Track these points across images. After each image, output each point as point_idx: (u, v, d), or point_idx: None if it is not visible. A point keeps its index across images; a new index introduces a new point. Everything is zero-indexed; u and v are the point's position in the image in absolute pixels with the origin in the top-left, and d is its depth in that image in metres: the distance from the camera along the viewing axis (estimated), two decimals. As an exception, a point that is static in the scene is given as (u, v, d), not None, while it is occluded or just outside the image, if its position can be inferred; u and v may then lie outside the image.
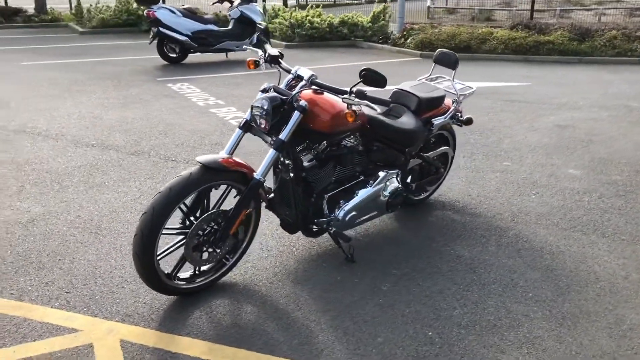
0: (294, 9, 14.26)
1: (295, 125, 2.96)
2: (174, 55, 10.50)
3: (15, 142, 5.71)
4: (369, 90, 2.93)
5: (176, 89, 8.24)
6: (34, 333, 2.74)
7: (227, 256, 3.16)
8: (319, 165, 3.21)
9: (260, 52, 3.27)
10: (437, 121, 3.86)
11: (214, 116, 6.80)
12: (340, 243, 3.44)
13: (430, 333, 2.79)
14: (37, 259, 3.44)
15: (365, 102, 2.92)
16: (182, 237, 2.90)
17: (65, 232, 3.77)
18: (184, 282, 3.04)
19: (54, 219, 3.97)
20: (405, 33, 12.45)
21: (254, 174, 2.93)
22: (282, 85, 3.12)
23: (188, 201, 2.86)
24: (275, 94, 2.98)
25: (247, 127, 3.07)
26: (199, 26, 10.36)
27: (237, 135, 3.08)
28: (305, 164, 3.16)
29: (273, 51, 3.26)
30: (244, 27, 10.76)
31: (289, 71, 3.20)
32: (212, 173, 2.81)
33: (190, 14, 10.49)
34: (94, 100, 7.51)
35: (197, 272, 3.08)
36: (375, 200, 3.50)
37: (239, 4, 10.79)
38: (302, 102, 2.93)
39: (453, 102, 3.99)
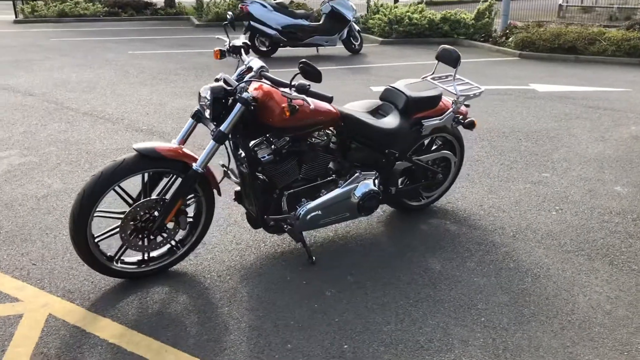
0: (408, 5, 13.91)
1: (237, 118, 2.91)
2: (264, 49, 10.74)
3: (77, 123, 6.18)
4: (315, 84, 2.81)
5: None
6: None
7: (178, 244, 3.18)
8: (278, 161, 3.12)
9: (227, 41, 3.25)
10: (429, 122, 3.60)
11: None
12: (305, 242, 3.34)
13: (346, 346, 2.63)
14: (28, 231, 3.69)
15: (302, 96, 2.80)
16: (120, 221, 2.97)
17: (67, 209, 3.99)
18: (132, 266, 3.10)
19: (65, 196, 4.24)
20: (507, 31, 11.75)
21: (193, 164, 2.92)
22: (233, 76, 3.08)
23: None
24: (220, 85, 2.95)
25: (198, 116, 3.06)
26: (289, 20, 10.51)
27: (189, 125, 3.10)
28: (263, 158, 3.09)
29: (237, 41, 3.23)
30: (334, 23, 10.77)
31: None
32: (147, 161, 2.85)
33: (282, 8, 10.68)
34: (169, 89, 7.91)
35: (145, 258, 3.13)
36: (344, 202, 3.35)
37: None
38: (246, 95, 2.87)
39: (453, 103, 3.69)
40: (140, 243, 3.01)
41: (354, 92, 7.66)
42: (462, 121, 3.74)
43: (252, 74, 3.00)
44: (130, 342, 2.64)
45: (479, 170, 4.83)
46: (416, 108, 3.57)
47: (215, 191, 3.11)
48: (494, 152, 5.31)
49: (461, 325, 2.79)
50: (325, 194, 3.32)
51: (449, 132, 3.83)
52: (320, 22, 10.93)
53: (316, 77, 2.78)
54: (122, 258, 3.07)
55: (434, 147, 3.92)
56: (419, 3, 13.61)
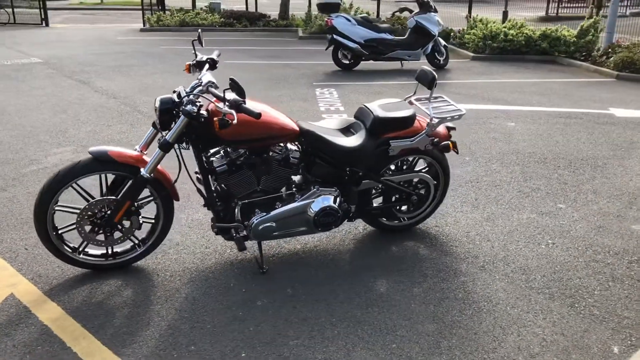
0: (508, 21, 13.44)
1: (180, 128, 3.12)
2: (347, 62, 10.92)
3: (139, 125, 6.74)
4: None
5: (317, 94, 8.65)
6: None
7: (140, 243, 3.46)
8: (233, 171, 3.29)
9: (200, 56, 3.47)
10: (397, 143, 3.58)
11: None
12: (261, 252, 3.51)
13: (243, 354, 2.75)
14: (30, 213, 4.10)
15: (231, 111, 2.95)
16: None
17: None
18: (97, 259, 3.42)
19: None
20: (609, 50, 10.97)
21: (142, 169, 3.17)
22: (188, 89, 3.28)
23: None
24: (170, 96, 3.17)
25: (155, 125, 3.32)
26: (371, 34, 10.62)
27: (149, 133, 3.36)
28: (217, 167, 3.28)
29: (203, 57, 3.44)
30: (418, 37, 10.71)
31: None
32: (99, 163, 3.14)
33: (366, 22, 10.80)
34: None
35: (109, 252, 3.43)
36: (300, 216, 3.44)
37: (416, 14, 10.76)
38: (189, 107, 3.06)
39: (427, 125, 3.65)
40: (97, 238, 3.29)
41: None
42: (437, 144, 3.66)
43: (199, 88, 3.18)
44: (60, 326, 2.92)
45: (490, 196, 4.65)
46: (384, 128, 3.56)
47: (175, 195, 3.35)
48: (519, 178, 5.08)
49: (368, 349, 2.77)
50: (281, 206, 3.42)
51: (427, 154, 3.76)
52: (405, 37, 10.90)
53: (240, 93, 2.91)
54: (85, 250, 3.37)
55: (406, 168, 3.87)
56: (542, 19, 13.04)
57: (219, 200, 3.38)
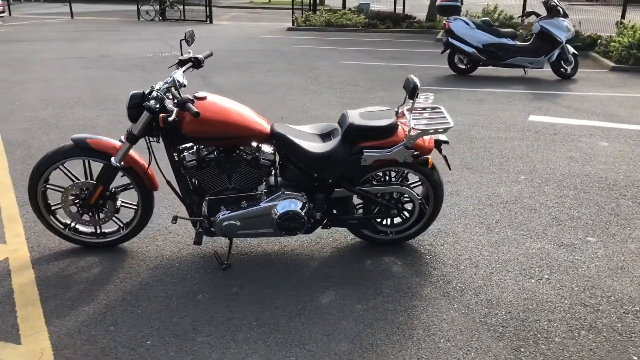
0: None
1: (144, 123, 3.32)
2: (463, 67, 10.53)
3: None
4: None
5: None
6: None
7: (124, 226, 3.75)
8: (203, 167, 3.44)
9: (185, 55, 3.66)
10: (371, 153, 3.46)
11: None
12: (230, 248, 3.63)
13: (149, 342, 2.87)
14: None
15: (174, 108, 3.09)
16: None
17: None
18: (87, 236, 3.77)
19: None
20: None
21: (112, 158, 3.45)
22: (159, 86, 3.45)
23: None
24: (139, 92, 3.38)
25: None
26: (490, 39, 10.12)
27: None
28: (187, 162, 3.45)
29: (185, 56, 3.61)
30: (543, 43, 9.99)
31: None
32: (78, 149, 3.47)
33: (486, 26, 10.31)
34: (331, 98, 8.45)
35: (98, 232, 3.78)
36: (264, 218, 3.48)
37: (542, 18, 10.04)
38: (152, 103, 3.26)
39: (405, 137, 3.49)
40: (84, 218, 3.62)
41: (505, 119, 7.20)
42: (417, 157, 3.46)
43: (165, 85, 3.34)
44: (22, 291, 3.30)
45: (515, 220, 4.27)
46: (359, 136, 3.46)
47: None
48: (565, 204, 4.59)
49: (264, 357, 2.75)
50: (246, 206, 3.49)
51: (410, 168, 3.57)
52: (528, 42, 10.21)
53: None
54: (76, 227, 3.73)
55: (389, 180, 3.71)
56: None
57: (191, 194, 3.51)
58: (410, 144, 3.43)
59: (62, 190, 3.59)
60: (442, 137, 3.65)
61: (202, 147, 3.44)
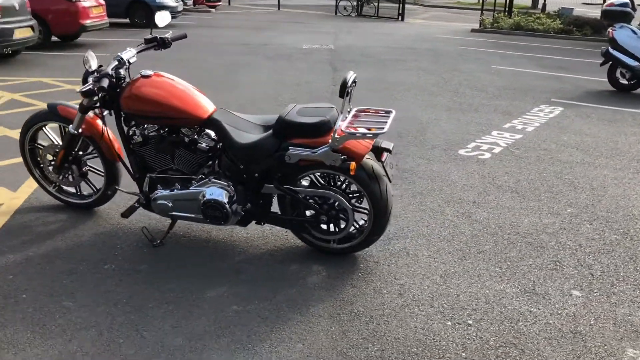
0: None
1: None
2: (625, 83, 9.19)
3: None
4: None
5: (531, 110, 7.67)
6: None
7: (96, 191, 4.06)
8: (143, 144, 3.61)
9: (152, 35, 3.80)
10: (296, 151, 3.25)
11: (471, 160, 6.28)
12: (170, 228, 3.68)
13: (24, 296, 3.12)
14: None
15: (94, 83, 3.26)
16: None
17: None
18: (68, 196, 4.15)
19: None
20: None
21: (70, 126, 3.75)
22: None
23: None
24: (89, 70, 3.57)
25: None
26: (663, 52, 8.67)
27: None
28: (134, 136, 3.63)
29: (152, 36, 3.74)
30: None
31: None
32: (50, 114, 3.84)
33: (662, 35, 8.84)
34: (440, 100, 7.99)
35: (78, 193, 4.15)
36: (192, 202, 3.46)
37: None
38: (89, 79, 3.42)
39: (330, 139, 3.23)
40: (58, 177, 3.98)
41: (620, 146, 6.22)
42: (344, 161, 3.17)
43: (112, 63, 3.51)
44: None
45: (504, 254, 3.65)
46: (287, 131, 3.28)
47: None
48: (586, 248, 3.80)
49: (91, 329, 2.80)
50: (179, 188, 3.54)
51: (336, 171, 3.29)
52: None
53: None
54: (60, 187, 4.12)
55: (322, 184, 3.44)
56: None
57: (139, 170, 3.65)
58: (335, 146, 3.13)
59: (42, 150, 3.96)
60: (385, 144, 3.27)
61: (147, 124, 3.53)
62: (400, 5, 21.81)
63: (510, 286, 3.26)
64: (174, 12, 16.24)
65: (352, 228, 3.48)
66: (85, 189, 4.07)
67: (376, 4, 22.65)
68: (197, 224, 3.79)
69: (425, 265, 3.46)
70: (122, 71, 3.51)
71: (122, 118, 3.55)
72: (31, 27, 9.72)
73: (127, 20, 15.93)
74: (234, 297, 3.09)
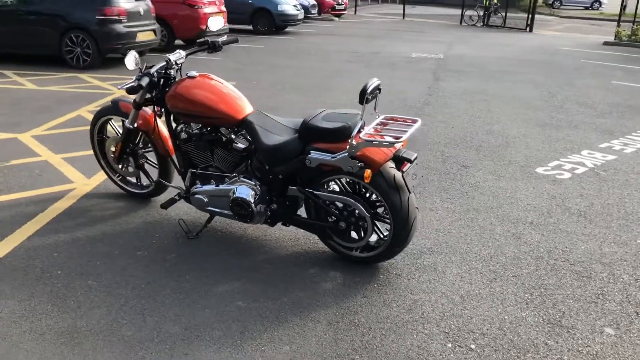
0: None
1: (141, 93, 3.81)
2: None
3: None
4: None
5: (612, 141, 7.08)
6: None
7: (151, 182, 4.35)
8: (187, 141, 3.84)
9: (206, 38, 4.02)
10: (316, 155, 3.27)
11: (549, 178, 5.90)
12: (207, 222, 3.83)
13: (58, 271, 3.44)
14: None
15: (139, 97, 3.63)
16: None
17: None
18: (132, 187, 4.46)
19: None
20: None
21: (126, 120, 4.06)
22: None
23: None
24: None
25: None
26: None
27: None
28: (179, 133, 3.87)
29: (204, 39, 3.95)
30: None
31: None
32: (113, 109, 4.18)
33: None
34: (495, 115, 7.60)
35: (138, 183, 4.46)
36: (223, 199, 3.59)
37: None
38: (141, 76, 3.65)
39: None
40: (121, 168, 4.33)
41: None
42: (358, 165, 3.15)
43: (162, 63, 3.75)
44: (48, 210, 4.16)
45: (541, 282, 3.39)
46: (310, 135, 3.31)
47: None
48: (623, 288, 3.43)
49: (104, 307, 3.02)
50: (214, 185, 3.72)
51: (353, 177, 3.26)
52: None
53: None
54: (124, 177, 4.47)
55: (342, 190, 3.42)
56: None
57: (185, 166, 3.87)
58: (352, 153, 3.11)
59: (107, 141, 4.31)
60: (406, 154, 3.19)
61: (192, 123, 3.73)
62: (530, 15, 20.82)
63: (534, 315, 3.03)
64: (294, 21, 16.79)
65: (375, 237, 3.41)
66: (145, 180, 4.33)
67: (504, 14, 21.81)
68: (236, 221, 3.90)
69: (448, 284, 3.31)
70: (172, 72, 3.71)
71: (172, 116, 3.76)
72: (153, 30, 10.52)
73: (250, 27, 16.67)
74: (242, 293, 3.15)
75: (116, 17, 9.50)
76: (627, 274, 3.48)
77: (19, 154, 5.28)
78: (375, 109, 3.28)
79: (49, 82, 8.53)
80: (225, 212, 3.59)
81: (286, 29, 17.85)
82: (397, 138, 3.00)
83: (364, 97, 3.03)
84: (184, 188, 3.78)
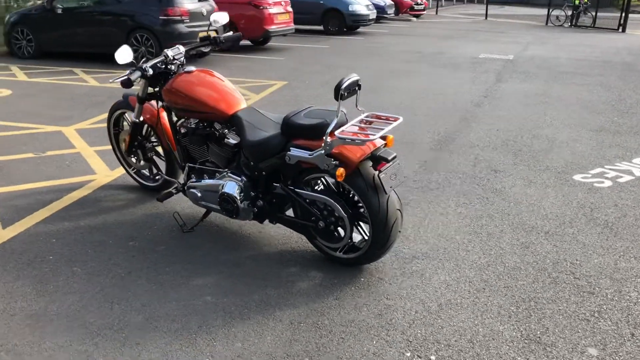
0: None
1: (142, 86, 3.92)
2: None
3: (437, 106, 7.03)
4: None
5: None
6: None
7: (159, 175, 4.47)
8: (185, 135, 3.91)
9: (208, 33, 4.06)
10: (295, 152, 3.22)
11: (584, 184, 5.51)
12: (204, 216, 3.87)
13: (51, 256, 3.60)
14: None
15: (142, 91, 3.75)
16: None
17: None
18: (143, 180, 4.59)
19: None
20: None
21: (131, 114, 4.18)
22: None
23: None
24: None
25: None
26: None
27: None
28: (179, 127, 3.95)
29: (207, 34, 3.99)
30: None
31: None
32: (124, 103, 4.31)
33: None
34: (539, 118, 7.16)
35: (150, 176, 4.59)
36: (213, 194, 3.63)
37: None
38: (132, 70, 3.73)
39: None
40: (132, 159, 4.47)
41: None
42: (335, 165, 3.08)
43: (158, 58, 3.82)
44: (62, 199, 4.37)
45: (535, 294, 3.18)
46: (291, 132, 3.27)
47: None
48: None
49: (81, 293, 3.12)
50: (206, 179, 3.77)
51: (328, 176, 3.18)
52: None
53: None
54: (138, 170, 4.60)
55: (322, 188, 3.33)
56: None
57: (185, 159, 3.94)
58: (327, 150, 3.04)
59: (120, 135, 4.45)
60: (384, 153, 3.07)
61: (190, 118, 3.78)
62: (623, 14, 19.55)
63: (513, 329, 2.82)
64: (365, 21, 16.70)
65: (360, 239, 3.31)
66: (158, 173, 4.43)
67: (593, 14, 20.63)
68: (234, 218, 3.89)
69: (431, 291, 3.15)
70: (173, 67, 3.77)
71: (172, 110, 3.82)
72: (215, 31, 10.77)
73: (321, 28, 16.74)
74: (214, 288, 3.14)
75: (178, 17, 9.81)
76: (637, 292, 3.17)
77: (57, 146, 5.56)
78: (357, 105, 3.17)
79: (109, 79, 8.94)
80: (215, 206, 3.59)
81: (358, 30, 17.78)
82: (370, 135, 2.88)
83: (339, 92, 2.93)
84: (179, 182, 3.81)
